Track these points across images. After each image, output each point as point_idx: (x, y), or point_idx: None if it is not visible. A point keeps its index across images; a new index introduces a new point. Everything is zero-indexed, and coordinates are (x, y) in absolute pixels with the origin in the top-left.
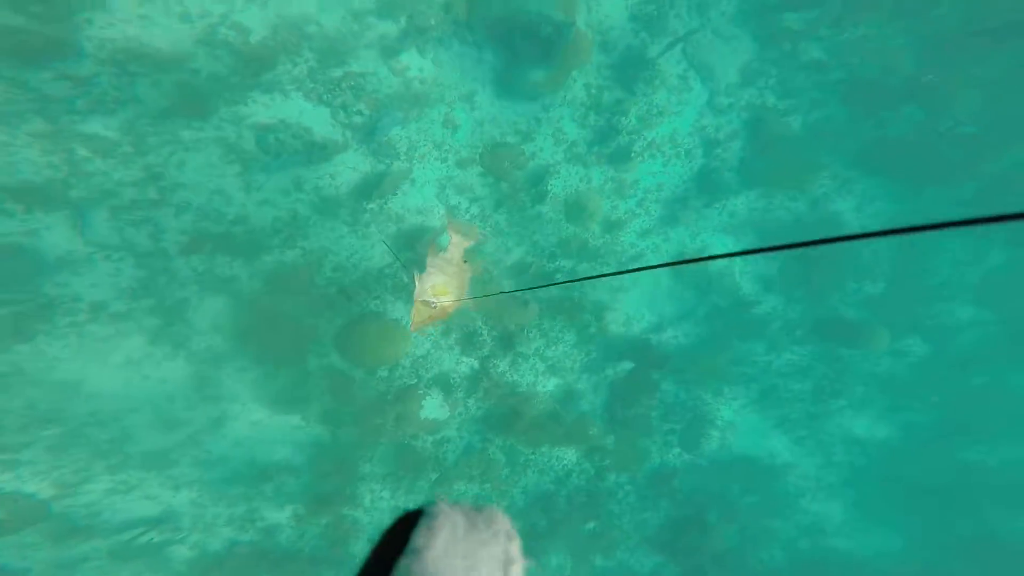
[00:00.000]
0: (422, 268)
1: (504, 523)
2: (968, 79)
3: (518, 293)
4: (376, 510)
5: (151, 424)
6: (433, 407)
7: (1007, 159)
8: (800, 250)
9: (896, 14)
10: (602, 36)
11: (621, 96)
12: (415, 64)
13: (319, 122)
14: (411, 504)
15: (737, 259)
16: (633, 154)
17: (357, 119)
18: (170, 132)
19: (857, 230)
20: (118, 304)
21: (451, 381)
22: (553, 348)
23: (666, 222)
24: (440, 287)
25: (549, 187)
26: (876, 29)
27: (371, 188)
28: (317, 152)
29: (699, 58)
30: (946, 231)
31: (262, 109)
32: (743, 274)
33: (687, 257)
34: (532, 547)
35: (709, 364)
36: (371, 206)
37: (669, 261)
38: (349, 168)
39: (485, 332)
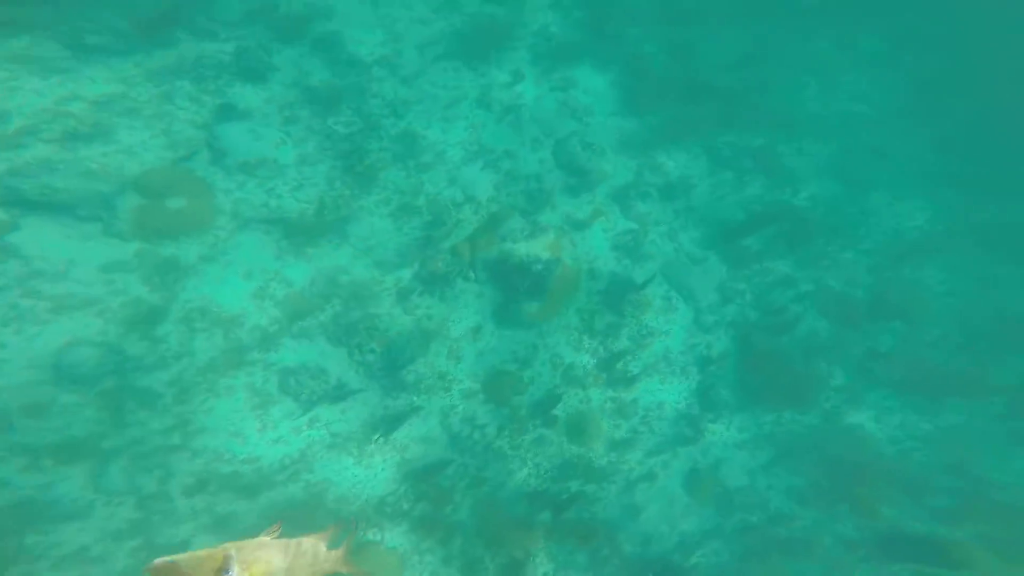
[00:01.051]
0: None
1: None
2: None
3: (522, 516)
4: None
5: None
6: None
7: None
8: (826, 460)
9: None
10: (589, 265)
11: (612, 319)
12: (423, 303)
13: (337, 362)
14: None
15: (758, 473)
16: (630, 374)
17: (370, 357)
18: (208, 383)
19: (884, 442)
20: (99, 547)
21: None
22: (563, 573)
23: (674, 440)
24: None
25: (549, 410)
26: (829, 247)
27: (378, 422)
28: (332, 391)
29: (678, 279)
30: None
31: (289, 354)
32: (769, 488)
33: (702, 472)
34: None
35: None
36: (377, 437)
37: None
38: (359, 404)
39: (488, 559)
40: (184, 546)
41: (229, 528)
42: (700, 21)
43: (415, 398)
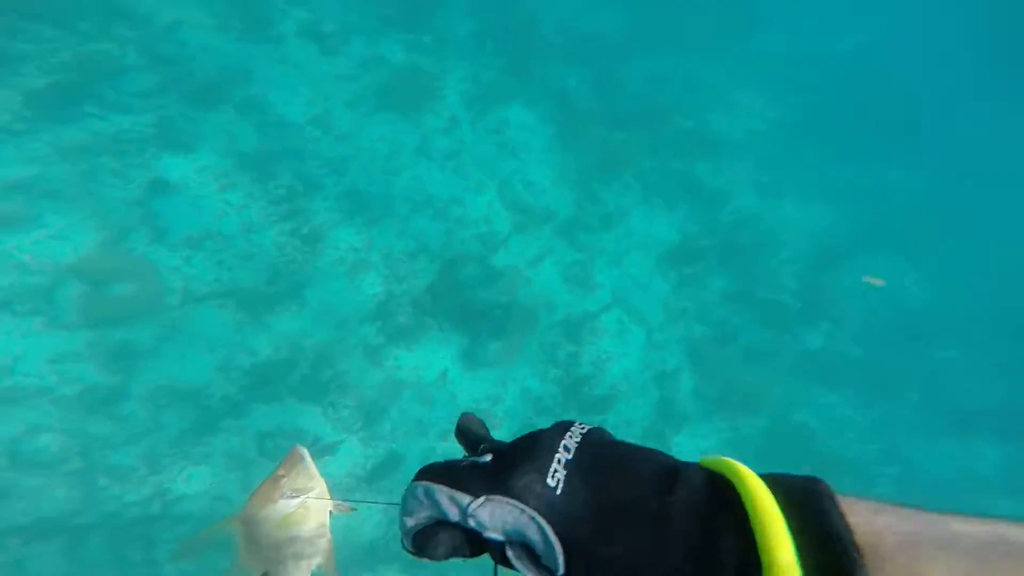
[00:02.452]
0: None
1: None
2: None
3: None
4: None
5: None
6: None
7: None
8: (782, 458)
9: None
10: (545, 299)
11: (572, 349)
12: (391, 354)
13: (312, 420)
14: None
15: None
16: (596, 398)
17: (344, 412)
18: (183, 452)
19: (828, 437)
20: None
21: None
22: None
23: None
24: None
25: None
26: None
27: (359, 472)
28: (311, 449)
29: (628, 303)
30: None
31: (262, 418)
32: None
33: None
34: None
35: None
36: (362, 487)
37: None
38: (340, 457)
39: None
40: None
41: None
42: (613, 55)
43: (393, 446)
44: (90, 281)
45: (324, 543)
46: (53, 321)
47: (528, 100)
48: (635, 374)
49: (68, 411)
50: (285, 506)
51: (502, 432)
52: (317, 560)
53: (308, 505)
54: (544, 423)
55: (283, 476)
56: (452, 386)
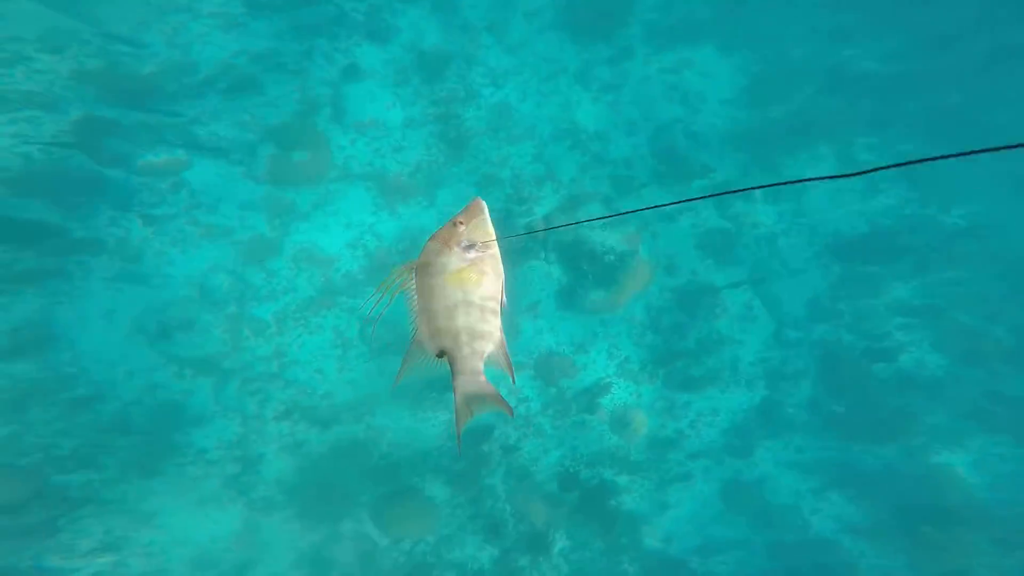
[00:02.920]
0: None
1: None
2: None
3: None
4: None
5: (191, 560)
6: None
7: None
8: (895, 496)
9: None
10: (668, 260)
11: (681, 319)
12: None
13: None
14: None
15: (807, 496)
16: (689, 377)
17: None
18: (304, 319)
19: (978, 488)
20: (216, 452)
21: (468, 567)
22: (579, 553)
23: (721, 448)
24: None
25: (596, 398)
26: (970, 273)
27: (434, 380)
28: (399, 346)
29: (766, 288)
30: None
31: (370, 303)
32: (814, 512)
33: (743, 484)
34: None
35: None
36: (432, 394)
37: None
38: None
39: (511, 524)
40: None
41: (302, 453)
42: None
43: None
44: (281, 146)
45: (496, 330)
46: (249, 172)
47: (726, 41)
48: (745, 366)
49: (239, 254)
50: (461, 257)
51: (575, 383)
52: (489, 348)
53: (483, 268)
54: (621, 386)
55: (462, 223)
56: (541, 321)
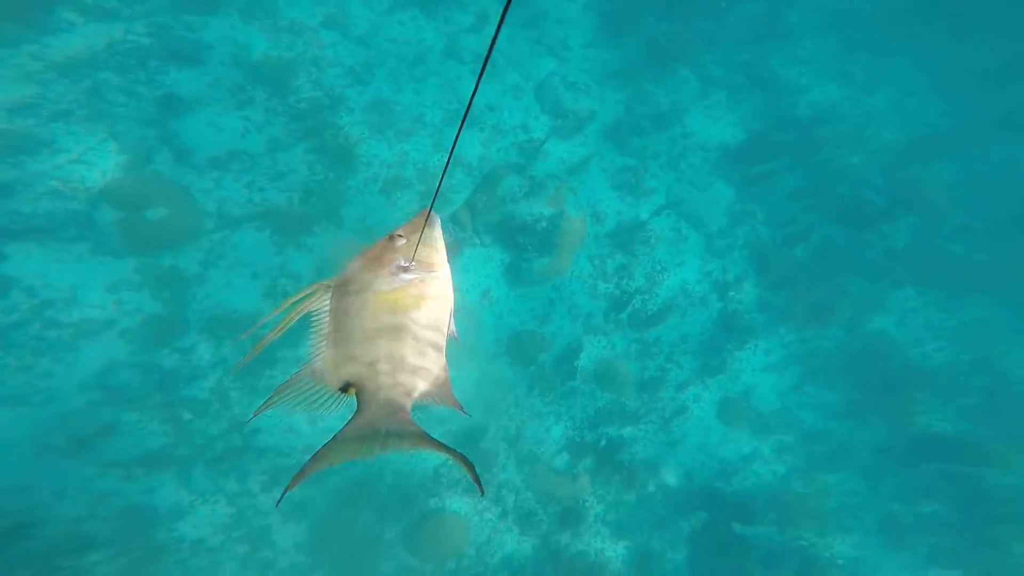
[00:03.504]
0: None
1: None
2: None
3: (566, 467)
4: None
5: None
6: None
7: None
8: (860, 375)
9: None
10: (592, 209)
11: (624, 260)
12: None
13: None
14: None
15: (790, 394)
16: (649, 313)
17: None
18: (249, 385)
19: (911, 345)
20: (216, 538)
21: (515, 562)
22: (615, 512)
23: (702, 372)
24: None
25: (574, 361)
26: (833, 152)
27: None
28: None
29: (685, 209)
30: None
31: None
32: (801, 408)
33: (734, 400)
34: None
35: (799, 502)
36: (419, 414)
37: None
38: None
39: (541, 511)
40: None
41: (309, 512)
42: None
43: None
44: (124, 207)
45: (435, 367)
46: (98, 248)
47: None
48: (693, 285)
49: (136, 344)
50: (394, 278)
51: (550, 355)
52: (422, 386)
53: (424, 291)
54: (594, 342)
55: (401, 237)
56: (499, 306)
